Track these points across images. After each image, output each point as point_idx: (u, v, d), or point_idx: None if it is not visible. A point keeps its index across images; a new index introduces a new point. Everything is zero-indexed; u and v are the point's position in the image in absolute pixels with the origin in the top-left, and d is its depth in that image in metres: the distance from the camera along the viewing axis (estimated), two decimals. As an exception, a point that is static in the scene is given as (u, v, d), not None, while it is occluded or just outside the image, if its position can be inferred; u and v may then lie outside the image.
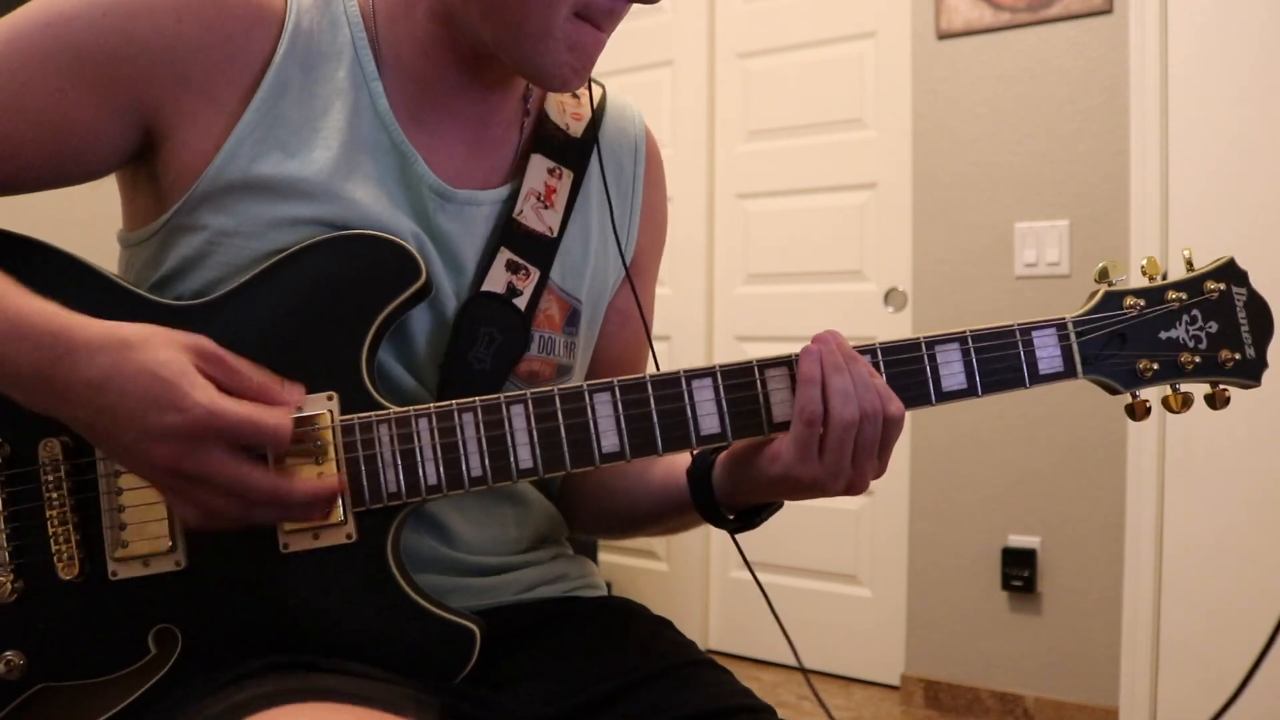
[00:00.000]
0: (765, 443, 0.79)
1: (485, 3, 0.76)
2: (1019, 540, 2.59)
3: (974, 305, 2.66)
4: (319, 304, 0.75)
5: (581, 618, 0.90)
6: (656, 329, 1.03)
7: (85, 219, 1.02)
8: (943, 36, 2.69)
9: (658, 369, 0.93)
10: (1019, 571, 2.57)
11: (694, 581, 3.18)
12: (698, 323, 3.15)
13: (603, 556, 3.22)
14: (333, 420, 0.73)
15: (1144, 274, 0.83)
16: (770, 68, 3.05)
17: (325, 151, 0.78)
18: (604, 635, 0.88)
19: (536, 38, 0.76)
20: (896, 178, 2.81)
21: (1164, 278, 0.82)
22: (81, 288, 0.75)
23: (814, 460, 0.76)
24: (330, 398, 0.74)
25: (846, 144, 2.91)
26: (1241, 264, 0.83)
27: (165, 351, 0.67)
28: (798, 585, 2.98)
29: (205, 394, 0.66)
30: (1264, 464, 2.21)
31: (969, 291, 2.67)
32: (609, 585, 1.02)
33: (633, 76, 3.25)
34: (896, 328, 2.81)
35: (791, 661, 2.98)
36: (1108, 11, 2.47)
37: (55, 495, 0.73)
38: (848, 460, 0.76)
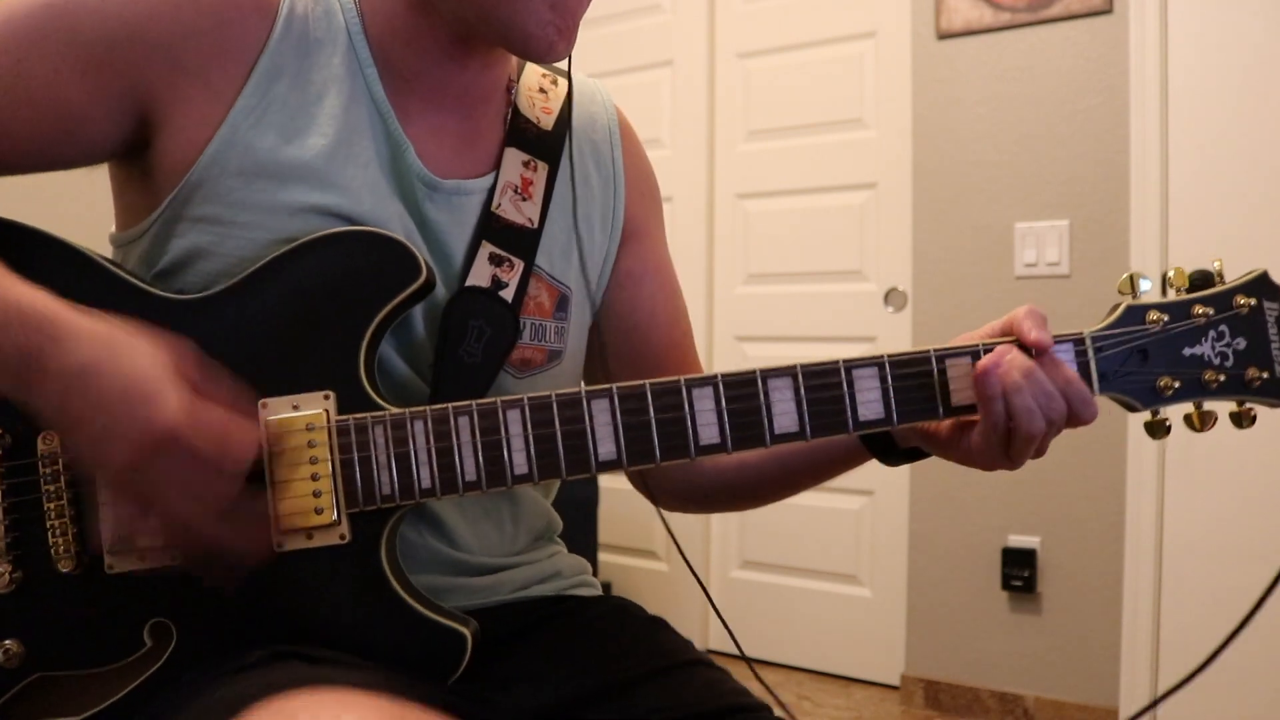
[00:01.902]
0: (961, 426, 0.79)
1: None
2: (1019, 540, 2.59)
3: (974, 305, 2.66)
4: (318, 302, 0.75)
5: (577, 616, 0.90)
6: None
7: (78, 218, 1.02)
8: (943, 36, 2.69)
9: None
10: (1019, 571, 2.57)
11: (694, 581, 3.17)
12: (698, 323, 3.14)
13: (603, 557, 3.21)
14: (328, 420, 0.73)
15: (1170, 285, 0.79)
16: (770, 68, 3.05)
17: (320, 138, 0.78)
18: (600, 634, 0.88)
19: None
20: (896, 178, 2.81)
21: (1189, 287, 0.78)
22: (83, 278, 0.75)
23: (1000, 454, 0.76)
24: (327, 396, 0.74)
25: (846, 144, 2.91)
26: (1239, 266, 0.80)
27: (149, 356, 0.66)
28: (798, 585, 2.98)
29: (179, 404, 0.65)
30: (1264, 464, 2.21)
31: (969, 291, 2.67)
32: (608, 585, 1.02)
33: (633, 76, 3.25)
34: (896, 328, 2.81)
35: (793, 662, 2.98)
36: (1108, 11, 2.47)
37: (53, 488, 0.73)
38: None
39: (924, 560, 2.75)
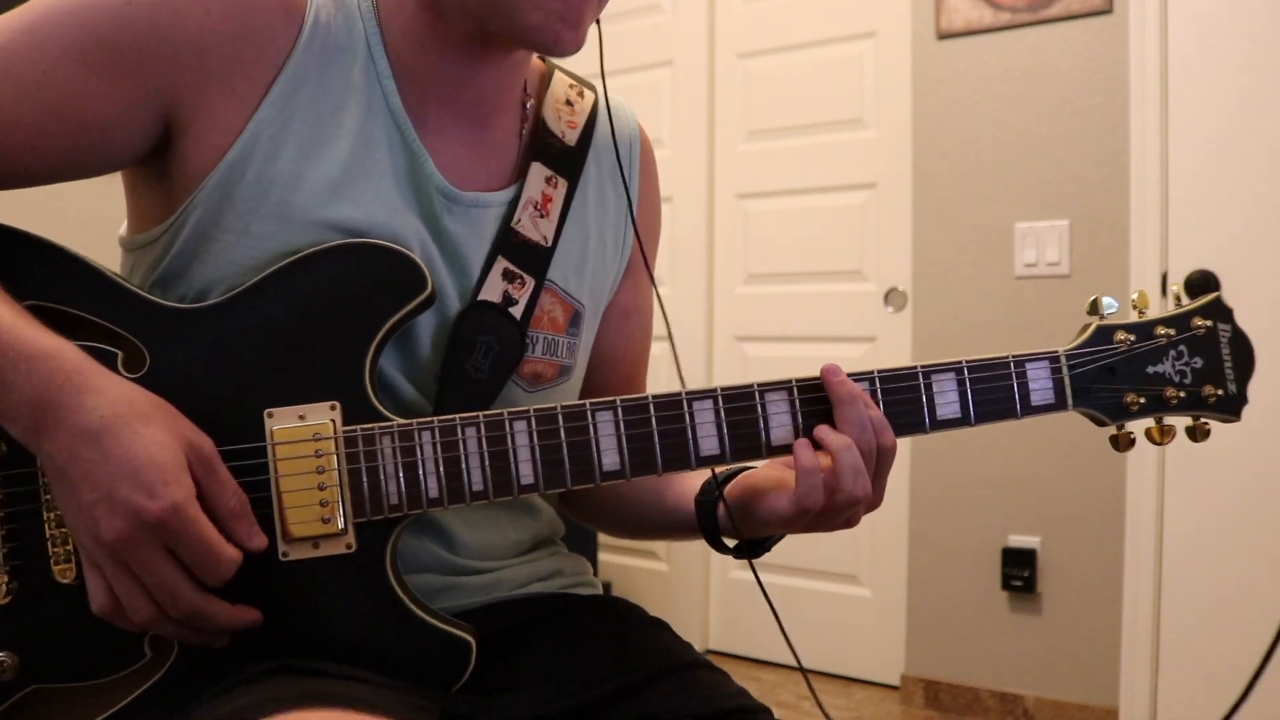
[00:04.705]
0: (764, 493, 0.81)
1: None
2: (1019, 540, 2.59)
3: (974, 305, 2.66)
4: (324, 312, 0.75)
5: (577, 617, 0.90)
6: (656, 328, 1.04)
7: (86, 219, 1.02)
8: (943, 36, 2.69)
9: (676, 360, 0.93)
10: (1019, 571, 2.57)
11: (694, 581, 3.18)
12: (697, 323, 3.15)
13: (603, 556, 3.22)
14: (335, 430, 0.73)
15: (1134, 307, 0.85)
16: (770, 68, 3.04)
17: (337, 151, 0.77)
18: (600, 636, 0.88)
19: None
20: (896, 178, 2.81)
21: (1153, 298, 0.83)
22: (82, 286, 0.74)
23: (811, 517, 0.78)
24: (333, 407, 0.73)
25: (846, 144, 2.91)
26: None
27: (166, 435, 0.66)
28: (798, 585, 2.98)
29: (181, 493, 0.65)
30: (1264, 464, 2.22)
31: (969, 291, 2.67)
32: (608, 585, 1.02)
33: (633, 76, 3.25)
34: (896, 327, 2.81)
35: (791, 661, 2.98)
36: (1108, 11, 2.47)
37: (52, 496, 0.71)
38: (844, 502, 0.77)
39: (924, 560, 2.75)
